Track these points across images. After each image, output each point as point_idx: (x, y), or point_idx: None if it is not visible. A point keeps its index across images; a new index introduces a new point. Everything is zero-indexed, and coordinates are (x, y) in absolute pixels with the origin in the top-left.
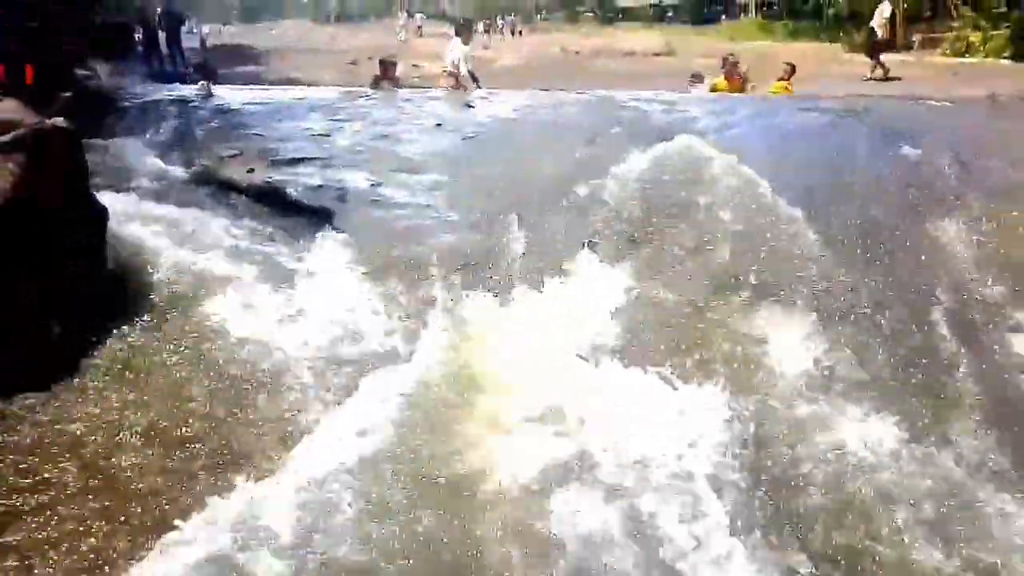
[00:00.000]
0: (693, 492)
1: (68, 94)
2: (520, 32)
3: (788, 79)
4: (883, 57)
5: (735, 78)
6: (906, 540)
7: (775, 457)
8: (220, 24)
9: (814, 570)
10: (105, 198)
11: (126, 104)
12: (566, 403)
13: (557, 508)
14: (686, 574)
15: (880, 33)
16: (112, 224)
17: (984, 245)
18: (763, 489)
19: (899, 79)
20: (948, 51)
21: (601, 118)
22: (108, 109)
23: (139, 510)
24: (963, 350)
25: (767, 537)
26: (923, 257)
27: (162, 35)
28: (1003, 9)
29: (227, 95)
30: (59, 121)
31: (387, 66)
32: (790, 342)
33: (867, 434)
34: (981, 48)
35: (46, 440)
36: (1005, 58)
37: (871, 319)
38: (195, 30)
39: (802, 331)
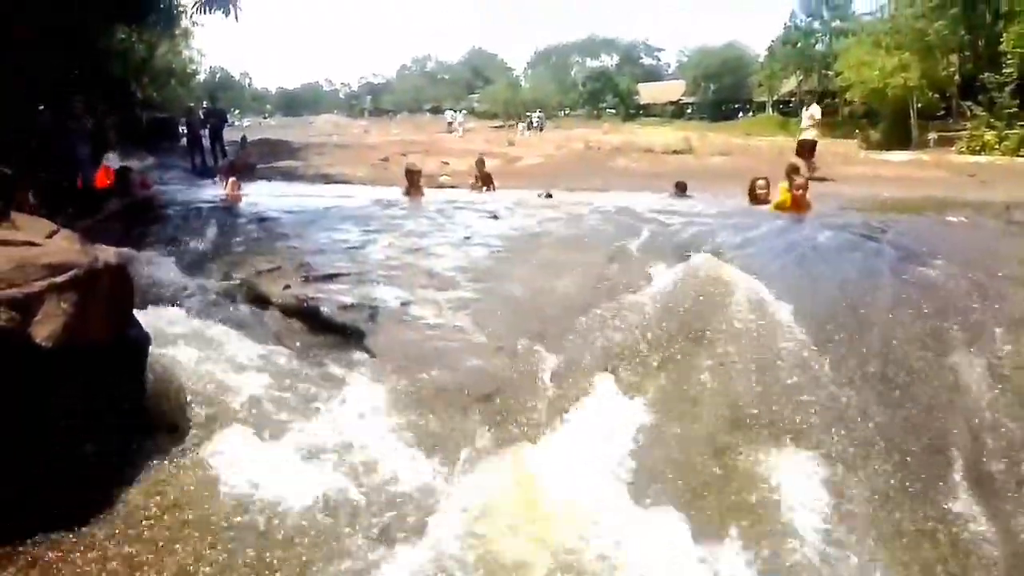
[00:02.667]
0: None
1: (117, 201)
2: (542, 128)
3: (799, 188)
4: (893, 155)
5: (798, 192)
6: None
7: None
8: (260, 117)
9: None
10: (145, 317)
11: (169, 212)
12: (583, 544)
13: None
14: None
15: (811, 134)
16: (152, 347)
17: (1006, 381)
18: None
19: (832, 180)
20: (964, 149)
21: (622, 232)
22: (152, 216)
23: None
24: (980, 504)
25: None
26: (941, 395)
27: (205, 132)
28: (1014, 108)
29: (266, 201)
30: (111, 257)
31: (412, 175)
32: (804, 489)
33: None
34: (997, 146)
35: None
36: (1022, 156)
37: (886, 463)
38: (236, 123)
39: (817, 476)
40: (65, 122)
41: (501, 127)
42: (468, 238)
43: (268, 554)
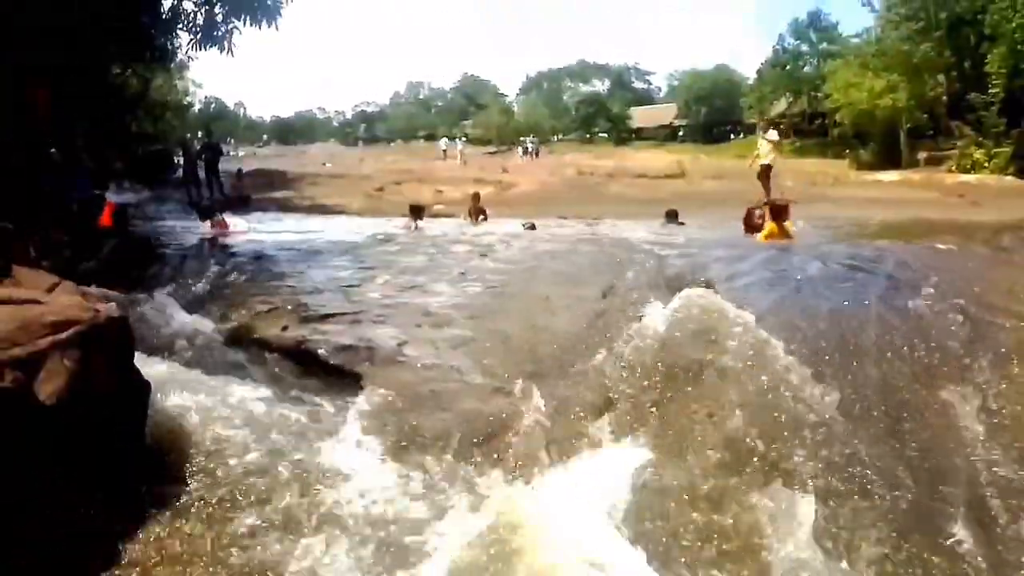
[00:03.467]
0: None
1: (114, 241)
2: (537, 153)
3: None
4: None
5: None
6: None
7: None
8: (255, 147)
9: None
10: (145, 365)
11: (167, 251)
12: None
13: None
14: None
15: (768, 159)
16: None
17: (996, 415)
18: None
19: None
20: (954, 168)
21: (616, 264)
22: (150, 256)
23: None
24: (977, 544)
25: None
26: (934, 431)
27: (201, 164)
28: (1002, 127)
29: (262, 238)
30: (112, 310)
31: (417, 210)
32: (797, 530)
33: None
34: (986, 164)
35: None
36: (1010, 174)
37: (880, 502)
38: (231, 152)
39: (810, 518)
40: (69, 160)
41: (495, 153)
42: (463, 273)
43: None
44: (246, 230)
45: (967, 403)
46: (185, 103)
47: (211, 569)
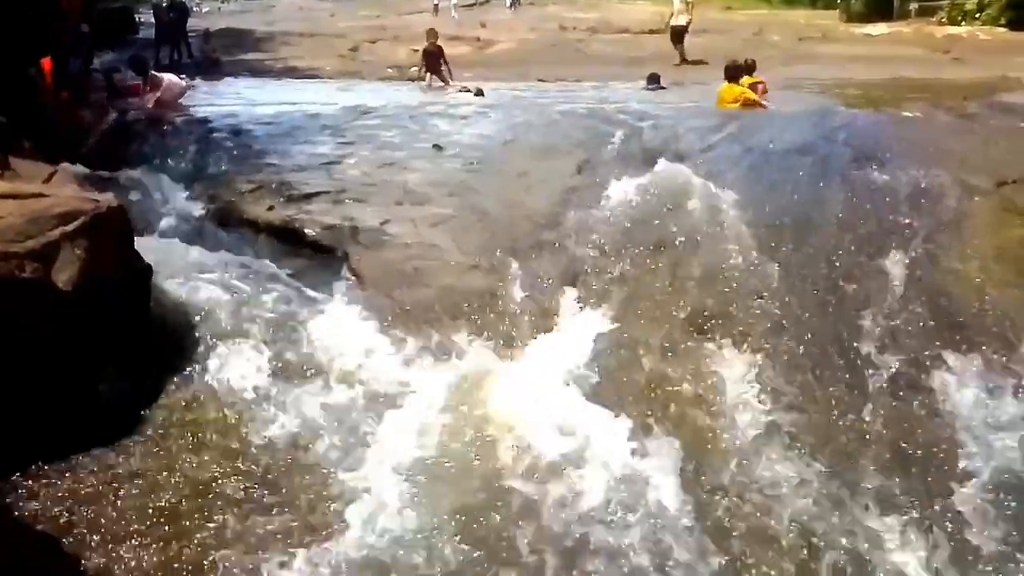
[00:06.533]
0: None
1: (109, 120)
2: (519, 3)
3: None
4: (873, 28)
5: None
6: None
7: (715, 491)
8: (219, 2)
9: None
10: (142, 246)
11: (150, 133)
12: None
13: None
14: None
15: (684, 19)
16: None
17: (922, 281)
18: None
19: (705, 63)
20: (944, 19)
21: (592, 136)
22: (137, 136)
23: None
24: (885, 389)
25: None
26: (868, 295)
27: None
28: None
29: (238, 110)
30: (111, 200)
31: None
32: (741, 384)
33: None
34: (977, 16)
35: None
36: (1001, 25)
37: (809, 353)
38: (195, 8)
39: (753, 373)
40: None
41: (472, 5)
42: (441, 148)
43: (276, 457)
44: (184, 86)
45: (904, 270)
46: None
47: (217, 420)
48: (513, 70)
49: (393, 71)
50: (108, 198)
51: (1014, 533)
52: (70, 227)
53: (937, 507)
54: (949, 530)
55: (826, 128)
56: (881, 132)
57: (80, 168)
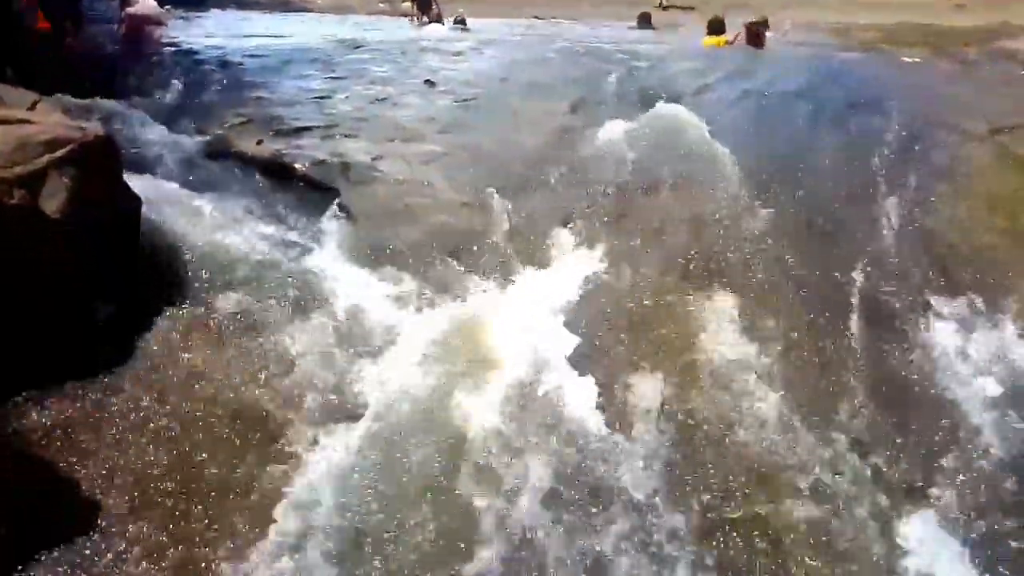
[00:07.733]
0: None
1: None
2: None
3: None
4: None
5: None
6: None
7: (698, 426)
8: None
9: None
10: (130, 178)
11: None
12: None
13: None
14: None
15: None
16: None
17: (913, 226)
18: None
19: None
20: None
21: (587, 74)
22: (119, 64)
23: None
24: (870, 334)
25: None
26: (856, 243)
27: None
28: None
29: (226, 43)
30: (98, 129)
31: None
32: (728, 324)
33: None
34: None
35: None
36: None
37: (795, 297)
38: None
39: (740, 314)
40: None
41: None
42: (433, 84)
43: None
44: (160, 11)
45: (896, 215)
46: None
47: (208, 352)
48: (509, 7)
49: (385, 5)
50: (95, 127)
51: (994, 469)
52: (57, 154)
53: (918, 446)
54: (929, 467)
55: (823, 72)
56: (879, 77)
57: (68, 98)
